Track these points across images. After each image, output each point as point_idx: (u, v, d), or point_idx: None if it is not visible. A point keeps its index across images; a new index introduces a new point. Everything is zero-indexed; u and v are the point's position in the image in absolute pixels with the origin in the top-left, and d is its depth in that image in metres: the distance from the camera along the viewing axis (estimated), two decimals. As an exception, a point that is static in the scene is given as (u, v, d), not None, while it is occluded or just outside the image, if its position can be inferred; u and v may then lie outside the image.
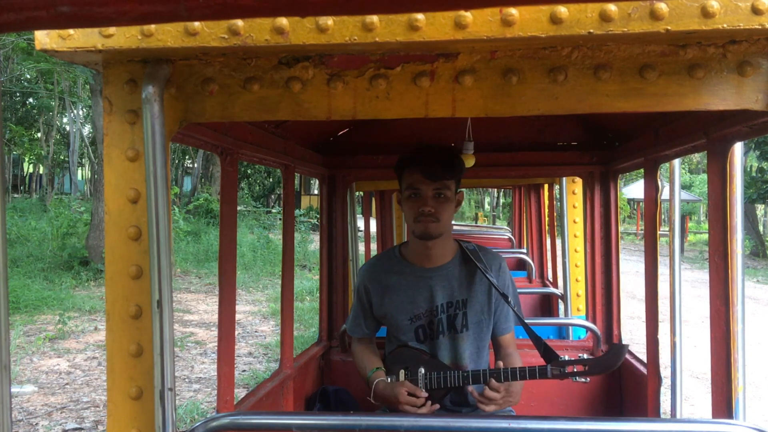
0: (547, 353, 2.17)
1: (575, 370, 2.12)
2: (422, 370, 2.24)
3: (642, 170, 2.47)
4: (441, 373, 2.24)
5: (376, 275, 2.47)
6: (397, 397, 2.18)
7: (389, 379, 2.29)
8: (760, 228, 26.51)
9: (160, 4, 0.52)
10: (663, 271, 2.30)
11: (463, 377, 2.22)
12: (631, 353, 3.03)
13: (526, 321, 2.33)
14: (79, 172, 39.87)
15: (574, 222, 4.78)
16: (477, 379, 2.20)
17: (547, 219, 6.99)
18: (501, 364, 2.22)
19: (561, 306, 4.80)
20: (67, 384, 6.82)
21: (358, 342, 2.56)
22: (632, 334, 8.04)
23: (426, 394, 2.20)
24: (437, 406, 2.25)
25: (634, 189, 29.20)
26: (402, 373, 2.28)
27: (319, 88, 1.37)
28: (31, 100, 29.81)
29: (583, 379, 2.17)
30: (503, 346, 2.44)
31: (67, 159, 34.36)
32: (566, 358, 2.13)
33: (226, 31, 1.24)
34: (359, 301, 2.51)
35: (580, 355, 2.17)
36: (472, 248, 2.40)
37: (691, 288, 12.73)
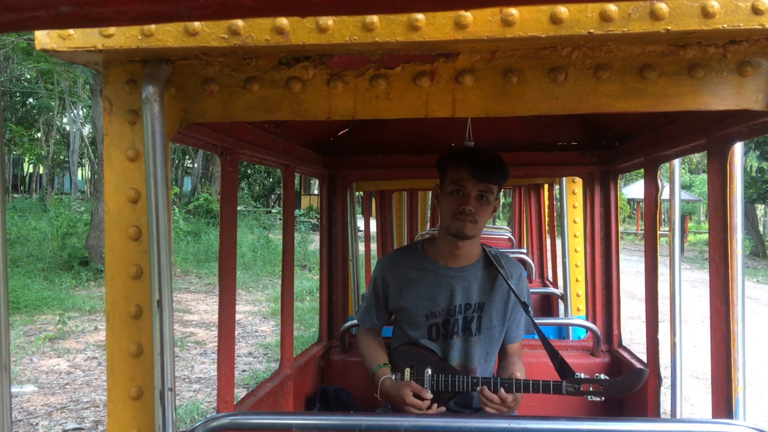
0: (563, 368, 2.15)
1: (591, 388, 2.09)
2: (429, 371, 2.23)
3: (642, 170, 2.47)
4: (449, 377, 2.23)
5: (396, 268, 2.46)
6: (403, 398, 2.17)
7: (394, 377, 2.28)
8: (760, 228, 26.50)
9: (160, 4, 0.52)
10: (663, 271, 2.30)
11: (472, 383, 2.20)
12: (630, 353, 3.03)
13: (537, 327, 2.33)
14: (79, 172, 39.89)
15: (574, 222, 4.78)
16: (486, 387, 2.17)
17: (547, 219, 6.99)
18: (518, 375, 2.20)
19: (561, 306, 4.81)
20: (67, 384, 6.82)
21: (366, 333, 2.55)
22: (632, 334, 8.04)
23: (431, 396, 2.18)
24: (443, 408, 2.24)
25: (634, 189, 29.19)
26: (408, 371, 2.26)
27: (319, 88, 1.37)
28: (31, 100, 29.82)
29: (597, 398, 2.14)
30: (509, 353, 2.44)
31: (67, 159, 34.39)
32: (583, 376, 2.11)
33: (226, 31, 1.24)
34: (374, 291, 2.50)
35: (597, 375, 2.16)
36: (494, 254, 2.40)
37: (691, 288, 12.73)
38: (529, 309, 2.32)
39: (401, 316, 2.43)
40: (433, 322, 2.36)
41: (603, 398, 2.15)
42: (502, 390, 2.12)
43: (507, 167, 2.30)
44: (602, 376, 2.13)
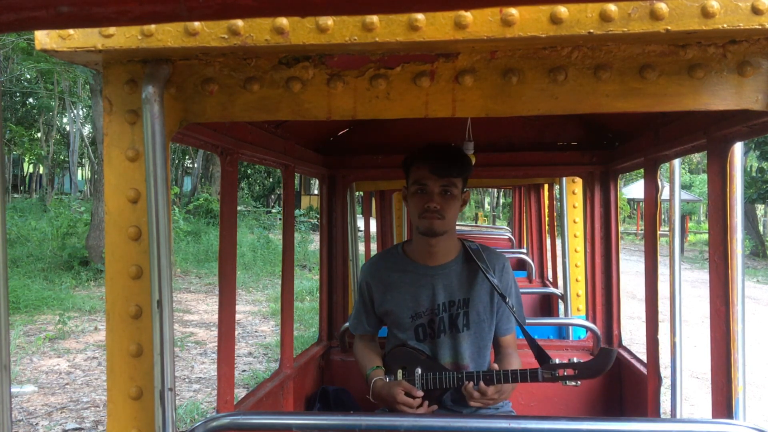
0: (540, 356, 2.17)
1: (566, 373, 2.14)
2: (419, 371, 2.25)
3: (642, 170, 2.47)
4: (437, 374, 2.25)
5: (378, 272, 2.47)
6: (394, 397, 2.19)
7: (387, 379, 2.30)
8: (760, 228, 26.50)
9: (160, 4, 0.52)
10: (663, 271, 2.30)
11: (458, 378, 2.23)
12: (630, 353, 3.03)
13: (524, 322, 2.34)
14: (79, 172, 39.89)
15: (574, 222, 4.78)
16: (471, 381, 2.21)
17: (547, 219, 6.99)
18: (496, 366, 2.23)
19: (561, 306, 4.81)
20: (67, 384, 6.82)
21: (359, 339, 2.56)
22: (632, 334, 8.04)
23: (422, 394, 2.21)
24: (435, 406, 2.26)
25: (634, 189, 29.19)
26: (400, 372, 2.29)
27: (319, 88, 1.37)
28: (31, 100, 29.83)
29: (573, 383, 2.18)
30: (503, 346, 2.44)
31: (67, 159, 34.40)
32: (557, 361, 2.15)
33: (226, 31, 1.24)
34: (361, 298, 2.52)
35: (571, 358, 2.19)
36: (475, 248, 2.40)
37: (691, 288, 12.72)
38: (509, 300, 2.32)
39: (389, 319, 2.44)
40: (419, 323, 2.37)
41: (578, 383, 2.19)
42: (481, 384, 2.15)
43: (467, 158, 2.31)
44: (575, 360, 2.15)
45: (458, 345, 2.35)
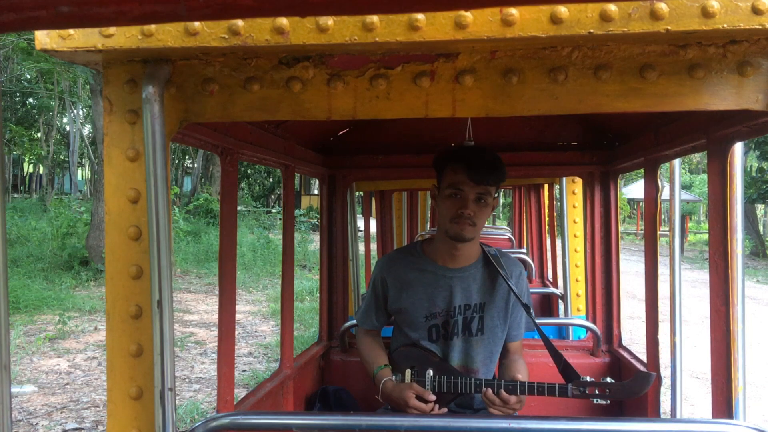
0: (567, 371, 2.11)
1: (596, 391, 2.06)
2: (430, 372, 2.21)
3: (642, 170, 2.47)
4: (450, 378, 2.20)
5: (395, 269, 2.43)
6: (406, 401, 2.15)
7: (395, 378, 2.27)
8: (760, 228, 26.50)
9: (160, 4, 0.52)
10: (663, 271, 2.30)
11: (475, 384, 2.18)
12: (630, 353, 3.03)
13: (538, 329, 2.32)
14: (79, 172, 39.89)
15: (574, 222, 4.79)
16: (490, 388, 2.14)
17: (547, 219, 7.00)
18: (521, 373, 2.19)
19: (561, 306, 4.81)
20: (67, 384, 6.82)
21: (365, 334, 2.53)
22: (632, 334, 8.03)
23: (434, 398, 2.17)
24: (445, 410, 2.22)
25: (634, 189, 29.19)
26: (408, 372, 2.25)
27: (319, 88, 1.37)
28: (31, 100, 29.82)
29: (603, 401, 2.12)
30: (511, 351, 2.43)
31: (67, 159, 34.41)
32: (588, 378, 2.09)
33: (226, 31, 1.24)
34: (374, 292, 2.48)
35: (604, 377, 2.15)
36: (493, 253, 2.38)
37: (691, 288, 12.72)
38: (531, 310, 2.30)
39: (400, 317, 2.41)
40: (432, 324, 2.34)
41: (608, 401, 2.13)
42: (503, 392, 2.10)
43: (504, 166, 2.26)
44: (608, 380, 2.11)
45: (470, 349, 2.33)
